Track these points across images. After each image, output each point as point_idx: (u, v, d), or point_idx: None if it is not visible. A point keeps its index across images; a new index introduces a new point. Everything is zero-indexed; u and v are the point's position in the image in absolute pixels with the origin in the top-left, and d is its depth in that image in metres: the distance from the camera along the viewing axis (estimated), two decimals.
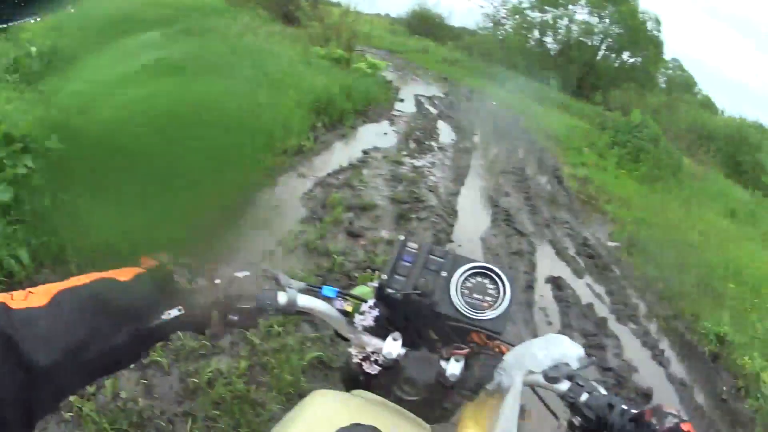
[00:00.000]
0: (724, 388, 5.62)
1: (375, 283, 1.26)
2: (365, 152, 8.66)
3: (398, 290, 1.21)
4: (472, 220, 7.74)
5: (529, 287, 6.24)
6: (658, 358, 5.79)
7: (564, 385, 1.13)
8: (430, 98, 17.21)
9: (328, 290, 1.27)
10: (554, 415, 1.23)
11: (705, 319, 6.72)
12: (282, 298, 1.13)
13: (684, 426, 1.01)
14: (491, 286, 1.27)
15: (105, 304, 0.86)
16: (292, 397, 3.32)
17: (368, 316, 1.23)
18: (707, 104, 35.97)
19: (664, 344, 6.14)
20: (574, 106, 28.03)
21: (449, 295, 1.23)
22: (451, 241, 6.74)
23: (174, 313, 0.95)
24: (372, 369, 1.23)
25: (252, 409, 3.14)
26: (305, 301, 1.18)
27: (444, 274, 1.25)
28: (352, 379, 1.35)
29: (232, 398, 3.18)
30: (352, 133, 9.52)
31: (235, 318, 1.06)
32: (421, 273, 1.25)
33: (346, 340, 1.27)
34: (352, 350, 1.25)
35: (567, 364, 1.14)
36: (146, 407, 2.98)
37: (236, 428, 3.00)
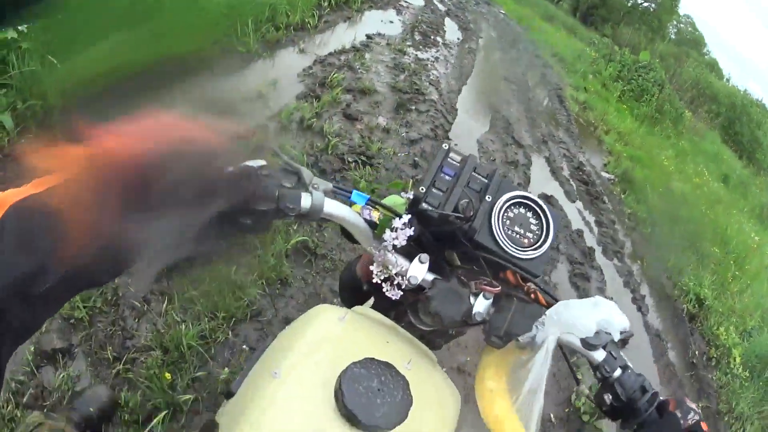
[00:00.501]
0: (696, 353, 5.42)
1: (409, 194, 1.10)
2: (369, 37, 8.14)
3: (435, 207, 1.07)
4: (471, 121, 7.39)
5: None
6: (638, 303, 5.55)
7: (600, 355, 1.04)
8: None
9: (358, 196, 1.11)
10: (576, 379, 1.15)
11: (687, 275, 6.53)
12: (306, 201, 0.99)
13: (703, 425, 0.99)
14: (534, 221, 1.14)
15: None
16: (273, 282, 3.21)
17: (401, 234, 1.06)
18: (714, 67, 35.44)
19: (645, 290, 5.89)
20: (582, 32, 27.07)
21: (490, 224, 1.09)
22: (449, 138, 6.36)
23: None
24: (394, 294, 1.08)
25: (231, 292, 2.99)
26: (333, 207, 1.05)
27: (489, 198, 1.11)
28: (354, 292, 1.30)
29: (211, 279, 2.99)
30: (357, 17, 8.87)
31: (248, 221, 0.93)
32: (463, 192, 1.10)
33: (355, 241, 1.15)
34: (373, 268, 1.08)
35: (608, 333, 1.05)
36: (121, 284, 2.82)
37: (214, 312, 2.86)
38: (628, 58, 17.11)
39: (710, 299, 6.29)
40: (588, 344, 1.03)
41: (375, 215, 1.12)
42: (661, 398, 1.03)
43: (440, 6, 13.13)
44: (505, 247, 1.08)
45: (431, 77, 7.88)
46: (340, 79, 6.02)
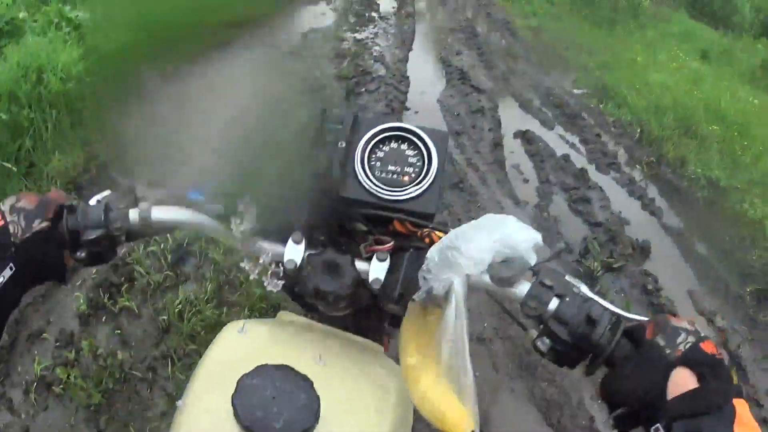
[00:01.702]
0: (727, 238, 5.26)
1: None
2: (303, 35, 8.23)
3: None
4: (426, 85, 7.39)
5: (498, 145, 5.88)
6: (649, 207, 5.43)
7: (523, 287, 0.90)
8: None
9: (194, 194, 1.00)
10: (522, 327, 0.95)
11: (692, 163, 6.38)
12: (134, 214, 0.97)
13: (705, 346, 0.78)
14: (412, 153, 1.03)
15: None
16: (266, 311, 3.31)
17: (246, 215, 0.96)
18: None
19: (653, 192, 5.78)
20: None
21: (354, 171, 1.00)
22: (407, 109, 6.45)
23: (6, 274, 0.86)
24: (274, 285, 0.99)
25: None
26: (164, 213, 0.99)
27: (341, 144, 0.99)
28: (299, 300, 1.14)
29: (204, 328, 3.21)
30: (286, 20, 8.78)
31: (82, 255, 0.93)
32: (316, 149, 0.99)
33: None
34: (245, 264, 1.00)
35: (522, 258, 0.84)
36: (126, 359, 3.05)
37: None
38: None
39: (724, 179, 6.14)
40: (500, 279, 0.88)
41: (221, 210, 1.00)
42: (633, 321, 0.86)
43: None
44: (380, 193, 0.98)
45: (374, 54, 7.98)
46: None
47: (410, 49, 8.63)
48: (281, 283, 0.99)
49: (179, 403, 0.92)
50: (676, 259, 4.75)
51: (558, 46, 10.67)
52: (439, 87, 7.35)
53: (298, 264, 0.96)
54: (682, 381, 0.76)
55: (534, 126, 6.58)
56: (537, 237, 0.86)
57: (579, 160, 5.94)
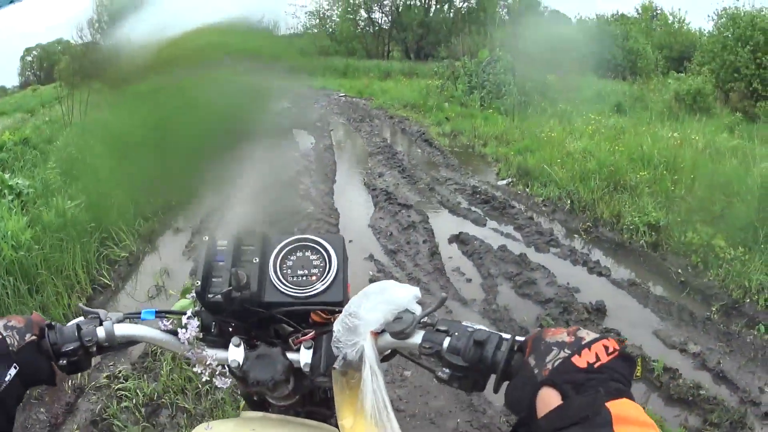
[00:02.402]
0: (680, 271, 5.48)
1: (193, 293, 1.19)
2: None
3: (216, 293, 1.14)
4: (355, 212, 7.63)
5: (434, 254, 5.97)
6: (595, 270, 5.59)
7: (416, 338, 1.03)
8: None
9: (146, 313, 1.22)
10: (429, 369, 1.07)
11: (628, 215, 6.59)
12: (101, 332, 1.14)
13: (577, 359, 0.83)
14: (315, 257, 1.23)
15: None
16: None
17: (190, 327, 1.15)
18: (558, 16, 36.20)
19: (596, 255, 5.98)
20: (422, 68, 28.34)
21: (270, 280, 1.19)
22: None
23: (12, 372, 1.01)
24: (222, 383, 1.16)
25: None
26: (124, 329, 1.17)
27: (255, 260, 1.20)
28: (251, 401, 1.34)
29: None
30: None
31: (64, 362, 1.10)
32: (236, 267, 1.15)
33: (192, 367, 1.20)
34: (197, 369, 1.16)
35: (408, 311, 1.04)
36: None
37: None
38: (469, 65, 17.81)
39: (662, 218, 6.35)
40: (396, 334, 1.02)
41: (173, 325, 1.19)
42: (520, 341, 0.95)
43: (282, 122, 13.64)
44: (294, 293, 1.16)
45: (300, 193, 8.15)
46: None
47: (334, 181, 8.93)
48: (228, 380, 1.14)
49: None
50: (633, 308, 4.87)
51: (476, 144, 11.20)
52: (368, 211, 7.57)
53: (240, 363, 1.10)
54: (547, 400, 0.81)
55: (467, 227, 6.76)
56: (415, 291, 1.05)
57: (517, 247, 6.09)
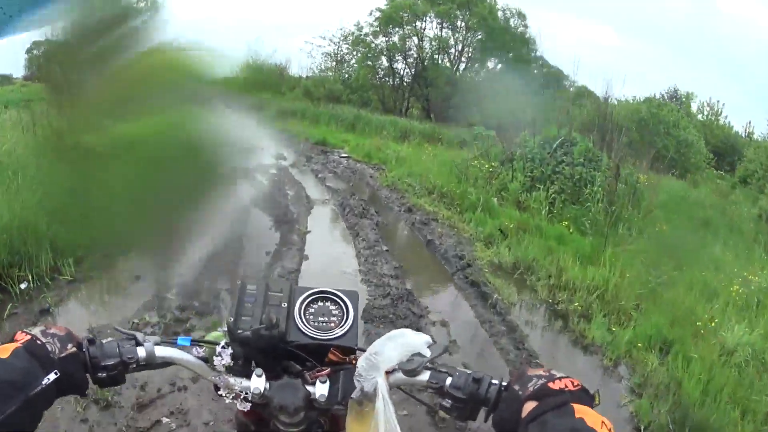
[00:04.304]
0: None
1: (225, 327, 1.39)
2: None
3: (245, 329, 1.34)
4: None
5: None
6: None
7: (424, 376, 1.30)
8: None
9: (182, 340, 1.41)
10: (427, 405, 1.44)
11: None
12: (141, 352, 1.32)
13: (553, 384, 1.12)
14: (334, 307, 1.46)
15: None
16: None
17: (224, 355, 1.33)
18: (585, 93, 31.97)
19: None
20: (446, 134, 23.52)
21: (295, 323, 1.40)
22: None
23: (52, 377, 1.13)
24: (243, 406, 1.33)
25: None
26: (163, 351, 1.35)
27: (284, 305, 1.42)
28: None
29: None
30: None
31: (104, 375, 1.26)
32: (264, 309, 1.39)
33: (218, 391, 1.37)
34: (222, 393, 1.34)
35: (420, 354, 1.31)
36: None
37: None
38: (532, 144, 12.84)
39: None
40: (408, 372, 1.28)
41: (204, 352, 1.38)
42: (499, 382, 1.23)
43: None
44: (315, 336, 1.38)
45: None
46: None
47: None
48: (248, 405, 1.32)
49: None
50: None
51: (567, 310, 6.97)
52: None
53: (262, 390, 1.30)
54: (529, 408, 1.10)
55: None
56: (428, 338, 1.35)
57: None
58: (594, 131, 13.99)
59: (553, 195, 11.11)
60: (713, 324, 6.41)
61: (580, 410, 1.04)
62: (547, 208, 10.74)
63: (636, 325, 6.33)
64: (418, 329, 4.18)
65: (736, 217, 13.77)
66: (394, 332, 1.31)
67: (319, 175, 13.85)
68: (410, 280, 7.27)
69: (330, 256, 8.33)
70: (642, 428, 4.66)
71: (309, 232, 8.87)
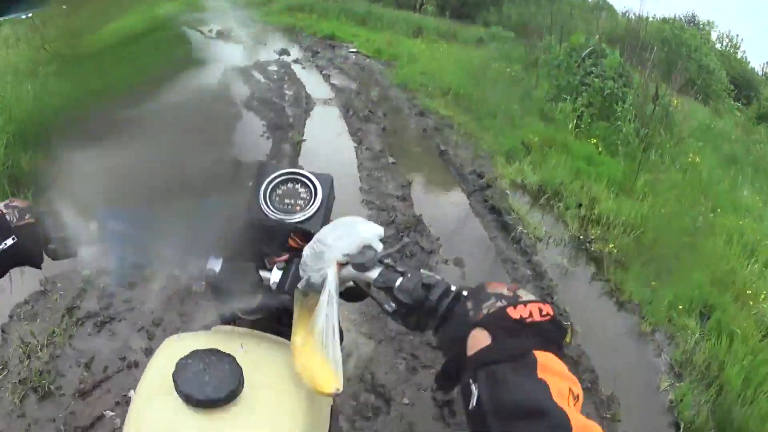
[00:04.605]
0: None
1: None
2: None
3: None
4: None
5: None
6: None
7: (374, 272, 1.16)
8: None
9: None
10: (378, 302, 1.21)
11: None
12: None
13: (512, 310, 0.91)
14: (303, 190, 1.37)
15: None
16: None
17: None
18: (604, 5, 30.17)
19: None
20: (463, 32, 21.97)
21: (258, 203, 1.33)
22: None
23: (9, 242, 1.15)
24: (200, 286, 1.40)
25: None
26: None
27: (249, 183, 1.37)
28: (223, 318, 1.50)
29: None
30: None
31: (54, 247, 1.26)
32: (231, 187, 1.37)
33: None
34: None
35: (371, 247, 1.17)
36: None
37: None
38: (557, 52, 12.00)
39: None
40: (357, 266, 1.14)
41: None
42: (465, 290, 1.02)
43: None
44: (276, 216, 1.30)
45: None
46: None
47: None
48: (202, 285, 1.37)
49: (132, 393, 1.40)
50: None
51: (601, 251, 6.33)
52: None
53: (216, 271, 1.27)
54: (478, 339, 0.89)
55: None
56: (380, 230, 1.20)
57: None
58: (620, 46, 12.93)
59: (581, 108, 10.09)
60: (753, 290, 5.79)
61: (545, 365, 0.82)
62: (575, 122, 9.77)
63: (677, 282, 5.51)
64: (430, 268, 3.54)
65: (761, 157, 12.99)
66: (343, 219, 1.20)
67: (324, 72, 12.73)
68: (420, 203, 6.39)
69: (326, 170, 7.19)
70: (681, 426, 3.86)
71: (304, 140, 7.89)
